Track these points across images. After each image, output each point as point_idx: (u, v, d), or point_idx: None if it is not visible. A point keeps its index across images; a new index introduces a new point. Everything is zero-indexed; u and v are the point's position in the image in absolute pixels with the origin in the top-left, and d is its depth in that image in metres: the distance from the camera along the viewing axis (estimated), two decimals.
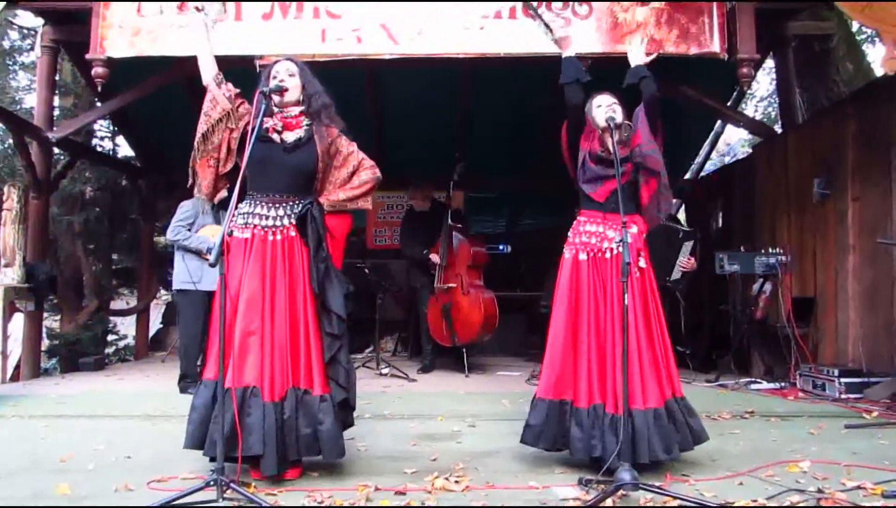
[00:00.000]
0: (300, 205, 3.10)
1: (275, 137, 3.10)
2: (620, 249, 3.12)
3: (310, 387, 3.00)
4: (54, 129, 6.69)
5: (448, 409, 4.57)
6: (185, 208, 5.29)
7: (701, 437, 3.23)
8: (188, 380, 5.20)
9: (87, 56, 5.48)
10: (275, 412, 2.90)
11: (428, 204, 6.79)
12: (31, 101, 11.11)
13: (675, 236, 5.70)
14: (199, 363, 5.39)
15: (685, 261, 5.91)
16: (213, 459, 2.94)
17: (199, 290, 5.17)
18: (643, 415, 3.03)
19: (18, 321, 6.51)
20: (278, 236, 3.06)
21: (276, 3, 5.46)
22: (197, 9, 3.31)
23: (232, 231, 2.99)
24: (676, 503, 2.64)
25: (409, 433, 3.98)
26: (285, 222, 3.08)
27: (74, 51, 6.63)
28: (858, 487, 2.82)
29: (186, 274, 5.16)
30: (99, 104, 7.54)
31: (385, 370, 6.38)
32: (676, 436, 3.11)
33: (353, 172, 3.24)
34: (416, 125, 8.31)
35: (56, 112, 7.62)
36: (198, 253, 5.17)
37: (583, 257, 3.28)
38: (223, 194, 5.26)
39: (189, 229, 5.22)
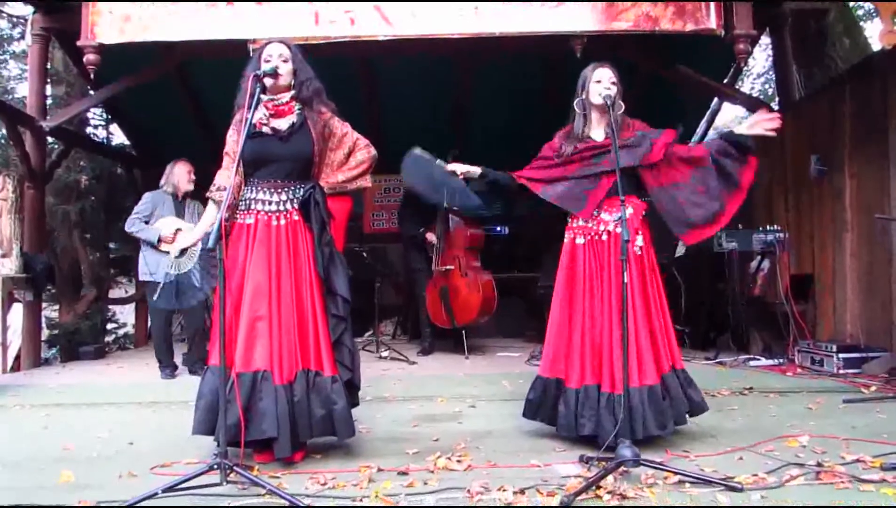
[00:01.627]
0: (301, 189, 3.10)
1: (265, 130, 3.08)
2: (617, 229, 3.14)
3: (320, 369, 3.03)
4: (48, 118, 6.65)
5: (448, 391, 4.59)
6: (143, 201, 5.42)
7: (701, 407, 3.28)
8: (161, 364, 5.46)
9: (79, 43, 5.44)
10: (286, 395, 2.92)
11: None
12: (22, 90, 11.04)
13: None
14: (203, 349, 5.45)
15: None
16: (235, 444, 2.96)
17: (157, 282, 5.31)
18: (638, 393, 3.07)
19: (17, 312, 6.49)
20: (283, 221, 3.07)
21: None
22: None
23: (229, 216, 3.00)
24: (677, 478, 2.66)
25: (410, 414, 4.00)
26: (288, 206, 3.08)
27: (65, 39, 6.57)
28: (857, 460, 2.85)
29: (145, 266, 5.35)
30: (92, 92, 7.49)
31: (385, 354, 6.39)
32: (671, 411, 3.15)
33: (350, 153, 3.25)
34: (412, 112, 8.26)
35: (48, 101, 7.56)
36: (150, 244, 5.31)
37: (580, 240, 3.30)
38: (190, 187, 5.36)
39: (147, 222, 5.34)
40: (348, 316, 3.15)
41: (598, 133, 3.29)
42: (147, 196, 5.42)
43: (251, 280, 2.99)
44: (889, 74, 5.12)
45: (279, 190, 3.09)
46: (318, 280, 3.10)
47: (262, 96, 3.05)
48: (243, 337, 2.93)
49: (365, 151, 3.26)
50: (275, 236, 3.05)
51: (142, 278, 5.50)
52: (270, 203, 3.08)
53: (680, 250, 5.93)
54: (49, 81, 7.53)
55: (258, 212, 3.07)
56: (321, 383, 3.01)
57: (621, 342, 3.02)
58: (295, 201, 3.09)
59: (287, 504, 2.44)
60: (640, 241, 3.23)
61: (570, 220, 3.36)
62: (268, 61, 3.06)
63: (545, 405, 3.31)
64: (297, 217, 3.09)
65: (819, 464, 2.79)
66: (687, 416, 3.26)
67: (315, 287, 3.09)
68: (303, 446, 3.06)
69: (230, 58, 4.98)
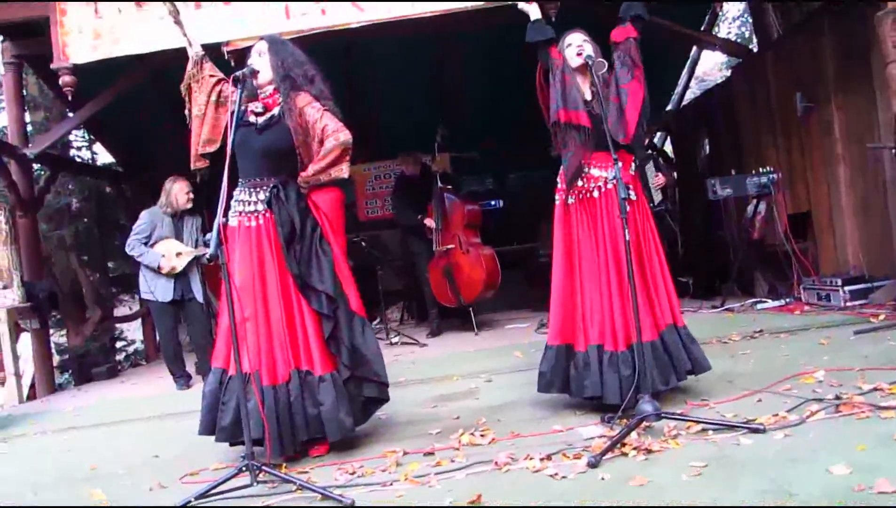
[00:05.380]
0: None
1: (252, 119, 3.09)
2: (608, 186, 3.14)
3: (311, 368, 3.01)
4: (30, 145, 6.61)
5: (462, 368, 4.61)
6: (141, 222, 5.37)
7: (702, 366, 3.22)
8: (175, 376, 5.51)
9: (53, 65, 5.40)
10: (275, 396, 2.92)
11: (418, 169, 6.76)
12: (0, 120, 10.96)
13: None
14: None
15: (656, 180, 5.95)
16: (232, 444, 3.00)
17: (158, 300, 5.33)
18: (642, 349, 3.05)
19: (26, 341, 6.50)
20: (261, 221, 3.05)
21: None
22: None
23: (227, 220, 3.00)
24: (699, 426, 2.69)
25: (428, 396, 4.03)
26: (260, 207, 3.05)
27: (38, 64, 6.52)
28: (875, 389, 2.87)
29: (146, 285, 5.36)
30: (71, 114, 7.44)
31: (395, 339, 6.41)
32: (671, 367, 3.12)
33: (321, 142, 3.09)
34: (396, 95, 8.24)
35: (29, 128, 7.51)
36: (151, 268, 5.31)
37: (571, 200, 3.28)
38: (188, 205, 5.31)
39: (146, 242, 5.30)
40: (339, 311, 3.05)
41: (587, 93, 3.27)
42: (145, 215, 5.36)
43: (236, 283, 2.95)
44: (869, 2, 5.09)
45: (256, 189, 3.07)
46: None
47: (257, 91, 3.11)
48: (235, 340, 2.91)
49: (332, 140, 3.04)
50: (254, 237, 3.04)
51: (143, 296, 5.52)
52: (248, 203, 3.07)
53: (656, 197, 5.95)
54: (26, 107, 7.47)
55: (239, 213, 3.07)
56: (311, 382, 2.99)
57: (620, 299, 3.05)
58: (265, 202, 3.04)
59: (319, 496, 2.47)
60: (632, 195, 3.23)
61: (559, 182, 3.35)
62: (249, 62, 3.09)
63: (558, 374, 3.25)
64: (269, 216, 3.05)
65: (837, 397, 2.82)
66: (688, 374, 3.21)
67: None
68: (321, 440, 3.06)
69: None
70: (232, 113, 2.89)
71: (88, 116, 7.03)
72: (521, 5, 3.36)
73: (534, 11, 3.35)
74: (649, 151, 5.92)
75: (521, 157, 9.34)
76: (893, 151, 4.72)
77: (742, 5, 12.42)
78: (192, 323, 5.53)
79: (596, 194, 3.21)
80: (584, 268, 3.21)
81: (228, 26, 5.29)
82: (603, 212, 3.19)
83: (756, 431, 2.57)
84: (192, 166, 3.23)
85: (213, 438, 3.00)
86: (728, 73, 9.19)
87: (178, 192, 5.32)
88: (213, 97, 3.16)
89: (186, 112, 3.25)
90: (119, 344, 8.84)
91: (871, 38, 5.05)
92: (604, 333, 3.14)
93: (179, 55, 5.75)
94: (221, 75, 3.18)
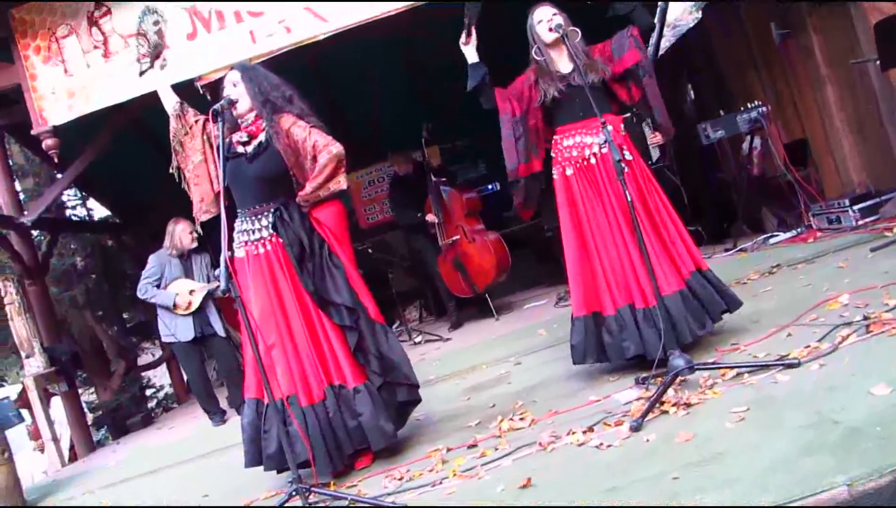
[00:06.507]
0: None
1: (240, 149, 3.09)
2: (603, 150, 3.13)
3: (343, 381, 3.03)
4: (25, 212, 6.63)
5: (489, 355, 4.61)
6: (150, 266, 5.36)
7: (735, 302, 3.23)
8: (209, 413, 5.52)
9: (33, 131, 5.39)
10: (315, 415, 2.94)
11: (410, 167, 6.75)
12: None
13: (629, 124, 5.76)
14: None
15: (652, 138, 5.92)
16: (280, 471, 3.02)
17: (180, 341, 5.34)
18: (672, 300, 3.06)
19: (58, 405, 6.55)
20: (268, 247, 3.06)
21: (195, 19, 5.34)
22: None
23: (233, 253, 3.01)
24: (734, 372, 2.68)
25: (460, 389, 4.04)
26: (265, 233, 3.07)
27: (18, 131, 6.52)
28: None
29: (165, 328, 5.37)
30: (59, 176, 7.45)
31: (418, 339, 6.42)
32: (703, 310, 3.13)
33: (314, 159, 3.10)
34: (378, 97, 8.21)
35: (21, 196, 7.55)
36: (166, 307, 5.30)
37: (570, 171, 3.27)
38: (193, 244, 5.31)
39: (158, 285, 5.30)
40: (360, 321, 3.07)
41: (565, 66, 3.25)
42: (153, 259, 5.37)
43: (256, 312, 2.98)
44: None
45: (258, 216, 3.09)
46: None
47: (238, 122, 3.10)
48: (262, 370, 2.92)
49: (325, 154, 3.05)
50: (265, 263, 3.05)
51: (165, 339, 5.53)
52: (252, 232, 3.08)
53: (655, 155, 5.92)
54: (15, 177, 7.50)
55: (245, 243, 3.08)
56: (346, 395, 3.02)
57: (640, 256, 3.02)
58: (269, 226, 3.06)
59: (372, 506, 2.48)
60: (627, 155, 3.22)
61: (553, 155, 3.34)
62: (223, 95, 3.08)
63: (591, 344, 3.24)
64: (276, 240, 3.07)
65: (866, 317, 2.80)
66: (723, 314, 3.23)
67: None
68: (367, 450, 3.08)
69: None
70: (217, 148, 2.89)
71: (77, 175, 7.06)
72: (461, 42, 3.34)
73: (470, 55, 3.34)
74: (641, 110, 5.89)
75: None
76: (878, 62, 4.68)
77: None
78: (219, 358, 5.55)
79: (593, 160, 3.21)
80: (596, 234, 3.21)
81: (198, 62, 5.28)
82: (603, 176, 3.18)
83: (791, 366, 2.56)
84: (217, 210, 3.10)
85: (260, 468, 3.02)
86: (699, 15, 9.11)
87: (181, 233, 5.32)
88: (206, 136, 3.18)
89: (174, 169, 3.25)
90: (148, 392, 8.90)
91: None
92: (630, 292, 3.14)
93: (154, 98, 5.80)
94: (203, 116, 3.19)
